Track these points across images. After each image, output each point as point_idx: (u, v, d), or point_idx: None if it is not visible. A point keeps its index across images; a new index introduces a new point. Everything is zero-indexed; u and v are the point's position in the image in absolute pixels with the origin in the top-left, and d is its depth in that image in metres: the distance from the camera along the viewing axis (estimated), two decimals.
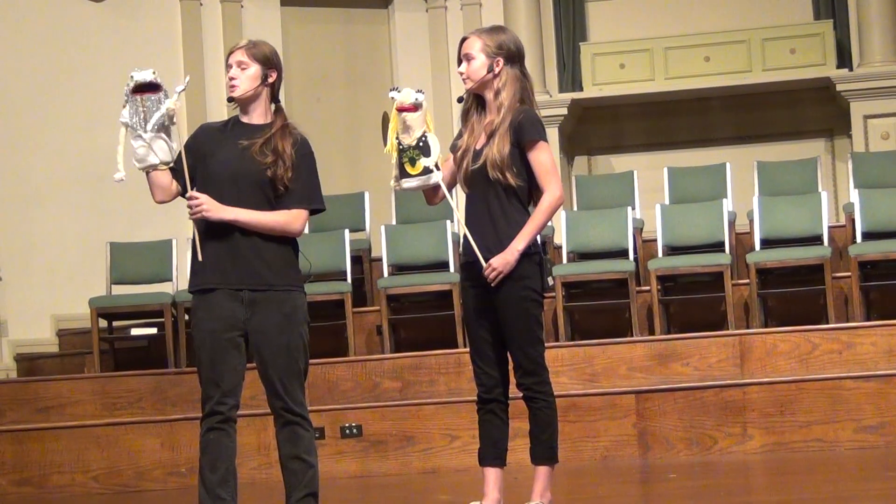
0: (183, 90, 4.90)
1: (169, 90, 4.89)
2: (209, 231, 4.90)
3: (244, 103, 4.99)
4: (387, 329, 9.82)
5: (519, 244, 5.13)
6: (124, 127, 4.86)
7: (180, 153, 4.93)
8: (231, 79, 4.96)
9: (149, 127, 4.83)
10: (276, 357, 4.88)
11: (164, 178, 4.90)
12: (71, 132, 11.37)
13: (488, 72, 5.21)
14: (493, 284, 5.13)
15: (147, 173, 4.90)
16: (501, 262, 5.12)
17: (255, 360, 4.91)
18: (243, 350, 4.90)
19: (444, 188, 5.25)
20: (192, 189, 4.88)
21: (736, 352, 8.86)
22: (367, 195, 10.96)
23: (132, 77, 4.83)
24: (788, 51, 12.71)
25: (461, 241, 5.42)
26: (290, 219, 4.91)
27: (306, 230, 10.71)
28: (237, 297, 4.87)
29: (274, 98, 5.03)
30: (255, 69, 4.96)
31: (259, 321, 4.88)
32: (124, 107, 4.85)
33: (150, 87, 4.84)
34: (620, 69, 12.99)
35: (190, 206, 4.85)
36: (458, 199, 5.33)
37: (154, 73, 4.83)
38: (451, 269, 9.91)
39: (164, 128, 4.87)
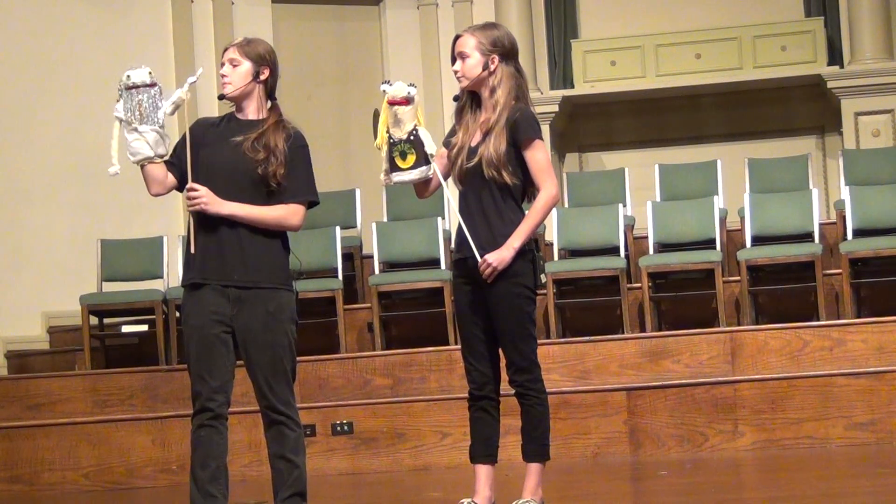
0: (194, 81, 4.88)
1: (163, 87, 4.87)
2: (200, 226, 4.89)
3: (237, 100, 5.00)
4: (378, 326, 9.81)
5: (515, 241, 5.11)
6: (118, 121, 4.84)
7: (176, 146, 4.92)
8: (223, 76, 4.98)
9: (147, 121, 4.81)
10: (260, 355, 4.87)
11: (160, 170, 4.88)
12: (61, 129, 11.35)
13: (484, 69, 5.19)
14: (488, 280, 5.12)
15: (142, 167, 4.87)
16: (497, 258, 5.10)
17: (242, 358, 4.90)
18: (231, 346, 4.89)
19: (440, 177, 5.22)
20: (191, 181, 4.85)
21: (727, 349, 8.86)
22: (358, 192, 10.94)
23: (128, 76, 4.81)
24: (779, 48, 12.74)
25: (453, 237, 5.41)
26: (287, 213, 4.90)
27: None
28: (224, 293, 4.86)
29: (269, 95, 5.03)
30: (246, 66, 4.97)
31: (245, 319, 4.87)
32: (118, 101, 4.83)
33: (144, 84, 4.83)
34: (611, 66, 13.01)
35: (189, 198, 4.83)
36: (449, 194, 5.32)
37: (150, 72, 4.82)
38: (443, 265, 9.90)
39: (160, 121, 4.85)
